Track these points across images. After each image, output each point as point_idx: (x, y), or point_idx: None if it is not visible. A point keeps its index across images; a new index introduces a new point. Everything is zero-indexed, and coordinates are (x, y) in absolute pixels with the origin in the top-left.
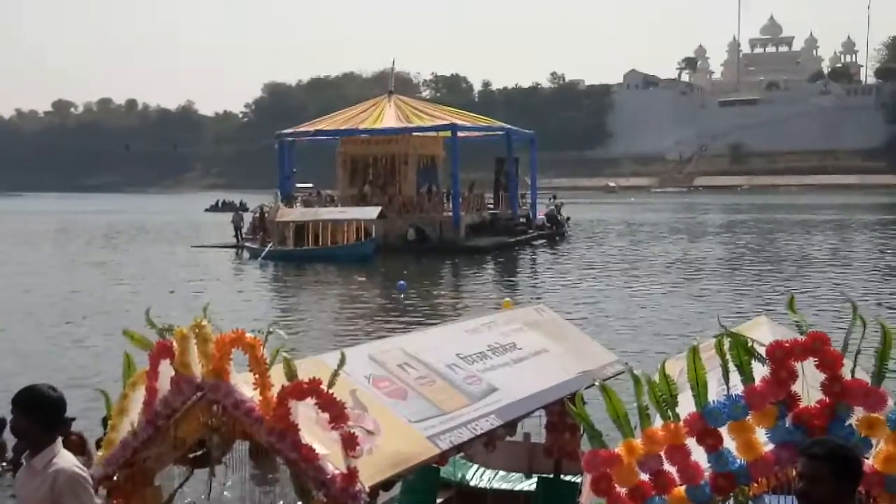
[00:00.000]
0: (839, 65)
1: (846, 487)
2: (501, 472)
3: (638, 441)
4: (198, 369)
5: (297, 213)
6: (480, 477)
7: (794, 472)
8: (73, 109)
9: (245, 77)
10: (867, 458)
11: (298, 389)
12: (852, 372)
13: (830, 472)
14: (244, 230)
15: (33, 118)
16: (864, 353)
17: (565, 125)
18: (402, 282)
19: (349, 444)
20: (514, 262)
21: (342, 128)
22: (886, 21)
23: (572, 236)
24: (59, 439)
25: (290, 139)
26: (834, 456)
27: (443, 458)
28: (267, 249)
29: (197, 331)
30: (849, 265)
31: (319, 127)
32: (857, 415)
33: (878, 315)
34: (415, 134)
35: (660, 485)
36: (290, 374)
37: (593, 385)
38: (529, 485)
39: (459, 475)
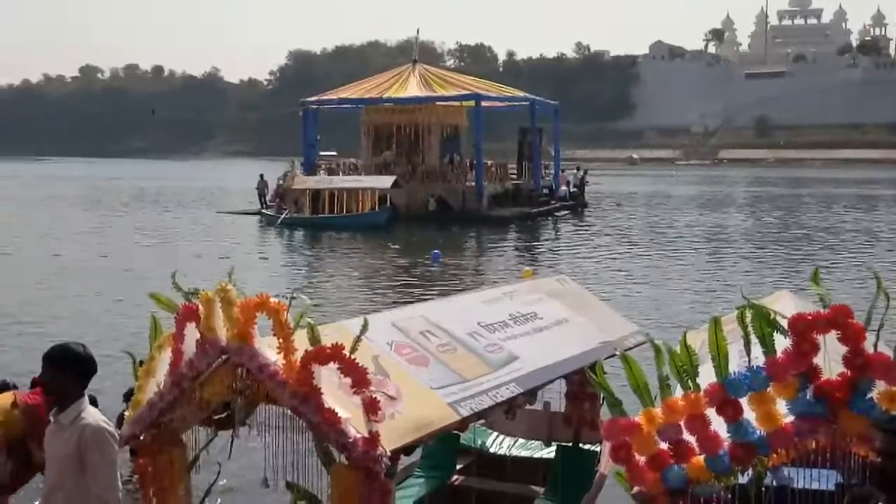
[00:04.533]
0: (868, 38)
1: None
2: (521, 440)
3: (658, 410)
4: (223, 333)
5: (313, 181)
6: (500, 444)
7: (813, 445)
8: (99, 75)
9: (270, 45)
10: None
11: (321, 354)
12: (875, 346)
13: None
14: (268, 197)
15: (60, 83)
16: (888, 327)
17: (590, 96)
18: (436, 251)
19: (371, 408)
20: (537, 232)
21: (366, 96)
22: None
23: (596, 207)
24: (86, 396)
25: (314, 107)
26: None
27: (463, 424)
28: (283, 216)
29: (222, 294)
30: (874, 240)
31: (343, 95)
32: (879, 388)
33: None
34: (438, 103)
35: (679, 454)
36: (314, 339)
37: (614, 355)
38: (549, 452)
39: (479, 442)
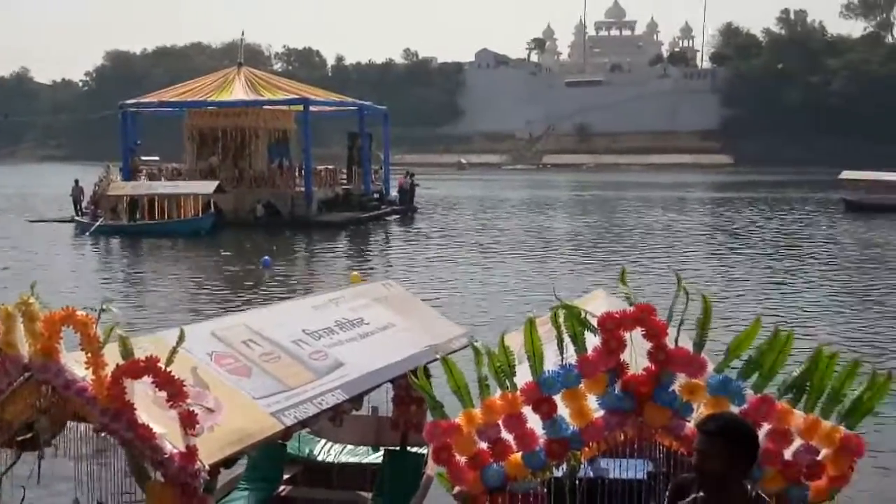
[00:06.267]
0: (677, 49)
1: (741, 462)
2: (349, 446)
3: (477, 411)
4: (25, 348)
5: (130, 187)
6: (328, 452)
7: (621, 437)
8: None
9: (85, 45)
10: (688, 421)
11: (134, 368)
12: (676, 341)
13: (724, 446)
14: (84, 204)
15: None
16: (688, 322)
17: (418, 102)
18: (266, 257)
19: (188, 422)
20: (366, 237)
21: (189, 99)
22: (721, 8)
23: (425, 212)
24: None
25: (133, 110)
26: (727, 431)
27: (288, 433)
28: (97, 224)
29: (23, 308)
30: (680, 240)
31: (165, 98)
32: (680, 381)
33: (702, 288)
34: (266, 108)
35: (497, 452)
36: (126, 352)
37: (438, 358)
38: (376, 457)
39: (306, 450)
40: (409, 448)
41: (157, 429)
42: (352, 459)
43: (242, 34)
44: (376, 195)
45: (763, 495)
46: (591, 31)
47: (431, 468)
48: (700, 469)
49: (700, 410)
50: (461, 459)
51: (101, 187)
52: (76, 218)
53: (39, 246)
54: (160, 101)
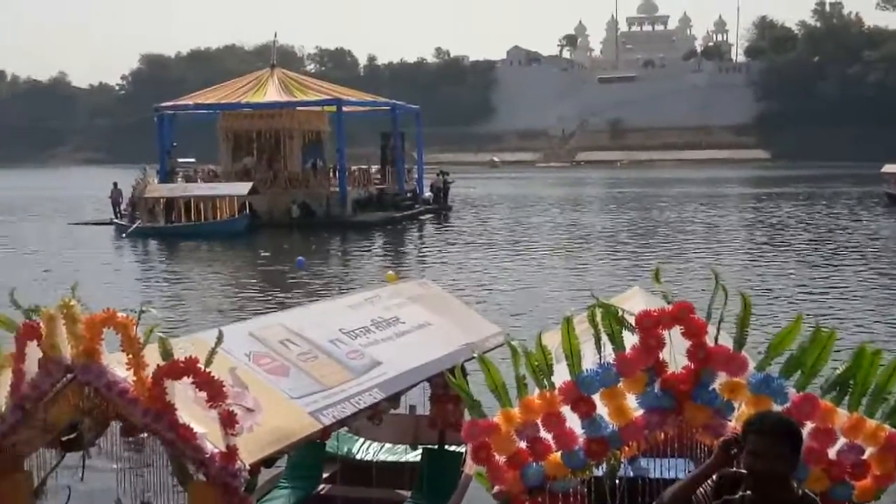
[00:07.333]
0: (711, 44)
1: (793, 459)
2: (387, 445)
3: (516, 410)
4: (67, 350)
5: (166, 189)
6: (366, 450)
7: (661, 436)
8: None
9: (121, 49)
10: (730, 420)
11: (174, 368)
12: (716, 339)
13: (781, 446)
14: (122, 206)
15: None
16: (728, 321)
17: (450, 101)
18: (300, 258)
19: (228, 422)
20: (401, 236)
21: (224, 101)
22: (755, 1)
23: (458, 211)
24: None
25: (169, 112)
26: (783, 431)
27: (326, 432)
28: (134, 226)
29: (65, 311)
30: (718, 237)
31: (200, 100)
32: (721, 379)
33: (741, 285)
34: (299, 109)
35: (536, 451)
36: (166, 353)
37: (475, 357)
38: (415, 456)
39: (345, 449)
40: (447, 446)
41: (197, 429)
42: (390, 458)
43: (275, 36)
44: (410, 194)
45: (809, 493)
46: (623, 27)
47: (470, 467)
48: (757, 470)
49: (741, 409)
50: (500, 458)
51: (138, 190)
52: (115, 220)
53: (79, 248)
54: (195, 104)
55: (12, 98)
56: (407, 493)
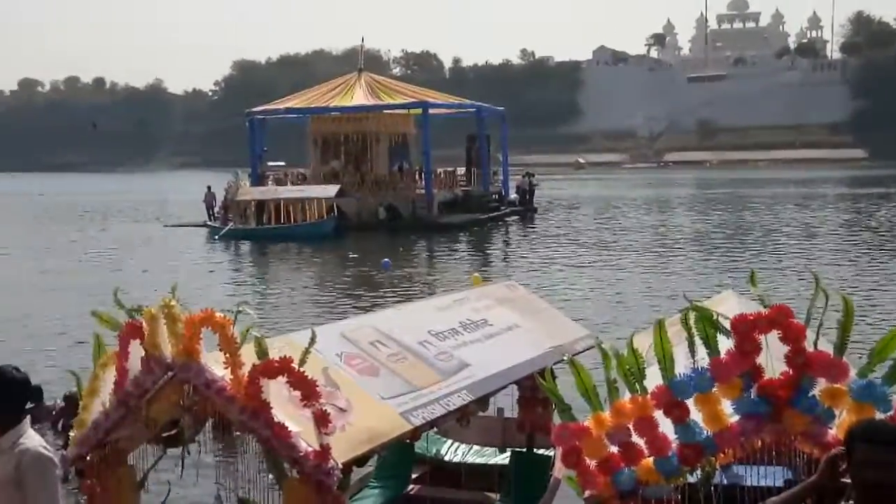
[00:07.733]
0: (805, 40)
1: None
2: (475, 447)
3: (607, 414)
4: (168, 349)
5: (257, 192)
6: (454, 452)
7: (758, 443)
8: (39, 88)
9: (213, 55)
10: (830, 428)
11: (269, 368)
12: (815, 344)
13: (891, 455)
14: (216, 209)
15: None
16: (827, 325)
17: (536, 102)
18: (386, 260)
19: (321, 421)
20: (487, 238)
21: (312, 106)
22: None
23: (544, 212)
24: (27, 419)
25: (260, 117)
26: (893, 439)
27: (416, 433)
28: (227, 228)
29: (166, 311)
30: (815, 239)
31: (289, 105)
32: (821, 385)
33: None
34: (386, 112)
35: (628, 456)
36: (261, 352)
37: (564, 360)
38: (503, 459)
39: (434, 450)
40: (535, 450)
41: (292, 427)
42: (478, 460)
43: (362, 40)
44: (495, 196)
45: None
46: (713, 25)
47: (559, 470)
48: (869, 481)
49: (842, 417)
50: (591, 463)
51: (230, 193)
52: (208, 223)
53: (176, 249)
54: (285, 108)
55: (112, 105)
56: (495, 496)
